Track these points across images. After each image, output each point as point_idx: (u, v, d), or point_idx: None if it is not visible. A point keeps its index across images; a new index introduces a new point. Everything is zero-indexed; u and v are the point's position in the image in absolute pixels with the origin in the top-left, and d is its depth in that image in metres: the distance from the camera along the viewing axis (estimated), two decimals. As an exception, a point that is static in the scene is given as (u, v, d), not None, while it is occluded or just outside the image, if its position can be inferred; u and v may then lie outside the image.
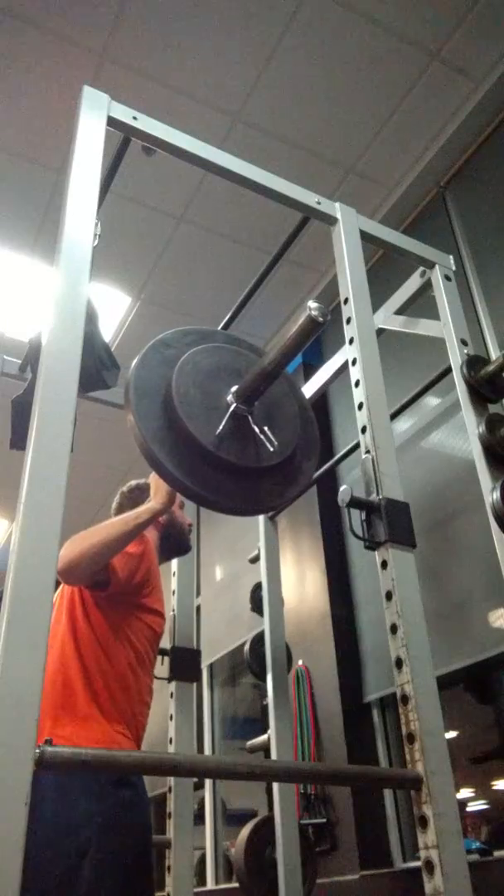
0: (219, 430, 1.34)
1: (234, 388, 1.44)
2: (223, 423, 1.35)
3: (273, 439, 1.41)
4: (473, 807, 2.92)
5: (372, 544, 1.24)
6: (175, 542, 1.97)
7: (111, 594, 1.63)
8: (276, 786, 2.12)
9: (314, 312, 1.27)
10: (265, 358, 1.40)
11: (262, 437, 1.40)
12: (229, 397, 1.42)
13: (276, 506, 1.48)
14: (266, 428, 1.42)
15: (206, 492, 1.32)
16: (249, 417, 1.41)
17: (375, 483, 1.29)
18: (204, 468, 1.32)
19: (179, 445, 1.31)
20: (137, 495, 1.96)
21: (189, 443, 1.31)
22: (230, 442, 1.36)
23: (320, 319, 1.27)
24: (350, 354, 1.51)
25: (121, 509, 1.94)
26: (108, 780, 1.42)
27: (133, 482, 2.02)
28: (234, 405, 1.40)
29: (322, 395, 2.62)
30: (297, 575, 3.45)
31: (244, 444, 1.39)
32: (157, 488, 1.72)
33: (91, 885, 1.32)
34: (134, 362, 1.40)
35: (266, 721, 2.19)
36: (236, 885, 2.35)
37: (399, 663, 1.15)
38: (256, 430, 1.40)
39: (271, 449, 1.40)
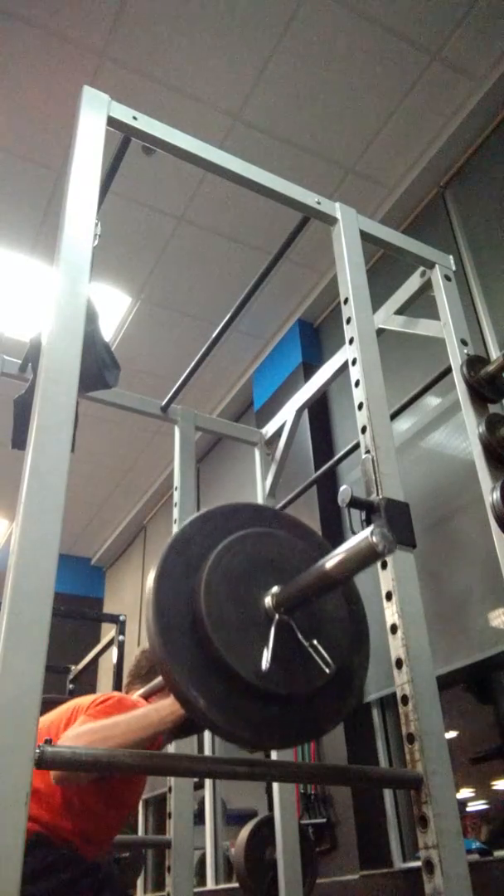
0: (265, 664, 1.08)
1: (273, 591, 1.16)
2: (269, 648, 1.09)
3: (327, 657, 1.11)
4: (473, 807, 2.92)
5: (372, 544, 1.24)
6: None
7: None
8: (276, 786, 2.11)
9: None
10: (317, 567, 1.11)
11: (312, 651, 1.12)
12: (267, 602, 1.15)
13: (332, 727, 1.20)
14: (315, 640, 1.14)
15: (257, 736, 1.10)
16: (293, 625, 1.14)
17: (375, 483, 1.29)
18: (250, 705, 1.09)
19: (219, 684, 1.07)
20: None
21: (231, 679, 1.07)
22: (277, 667, 1.10)
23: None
24: (350, 354, 1.51)
25: (138, 669, 1.88)
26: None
27: None
28: (277, 617, 1.13)
29: (322, 395, 2.62)
30: (297, 575, 3.45)
31: (291, 665, 1.12)
32: None
33: None
34: (152, 573, 1.11)
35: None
36: (236, 885, 2.35)
37: (399, 663, 1.15)
38: (305, 643, 1.13)
39: (327, 671, 1.12)
